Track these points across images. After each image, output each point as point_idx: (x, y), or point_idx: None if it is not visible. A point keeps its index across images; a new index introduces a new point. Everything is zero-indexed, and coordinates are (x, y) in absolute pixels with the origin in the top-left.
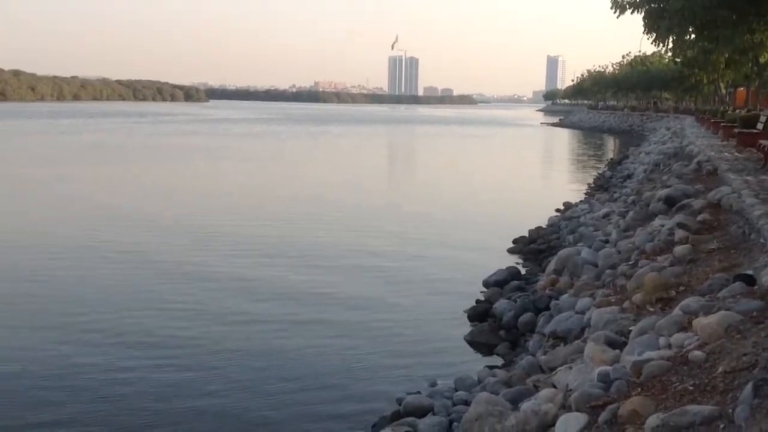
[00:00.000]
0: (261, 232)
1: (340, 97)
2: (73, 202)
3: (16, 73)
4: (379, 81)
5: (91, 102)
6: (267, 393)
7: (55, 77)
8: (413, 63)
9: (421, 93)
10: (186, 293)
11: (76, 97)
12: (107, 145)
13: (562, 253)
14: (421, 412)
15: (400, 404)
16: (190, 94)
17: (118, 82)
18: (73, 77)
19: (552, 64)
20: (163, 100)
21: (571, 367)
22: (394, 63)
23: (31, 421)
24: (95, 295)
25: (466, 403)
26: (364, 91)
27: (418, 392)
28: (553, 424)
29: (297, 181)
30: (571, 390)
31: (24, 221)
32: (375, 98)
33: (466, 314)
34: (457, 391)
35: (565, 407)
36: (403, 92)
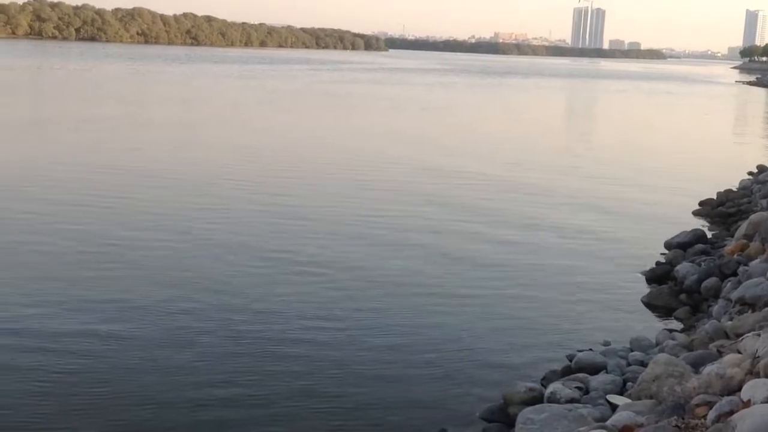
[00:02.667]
0: (433, 190)
1: (520, 48)
2: (250, 148)
3: (209, 19)
4: (562, 33)
5: (276, 49)
6: (450, 342)
7: (244, 24)
8: (599, 15)
9: (606, 46)
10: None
11: (262, 44)
12: (288, 91)
13: (754, 217)
14: (594, 369)
15: (571, 360)
16: (370, 43)
17: (303, 30)
18: (260, 24)
19: (751, 18)
20: (344, 48)
21: (759, 334)
22: (579, 14)
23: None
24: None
25: (642, 364)
26: (546, 44)
27: (590, 350)
28: (738, 389)
29: (470, 135)
30: (759, 357)
31: (191, 167)
32: (557, 51)
33: (644, 276)
34: (632, 351)
35: (752, 373)
36: (587, 45)
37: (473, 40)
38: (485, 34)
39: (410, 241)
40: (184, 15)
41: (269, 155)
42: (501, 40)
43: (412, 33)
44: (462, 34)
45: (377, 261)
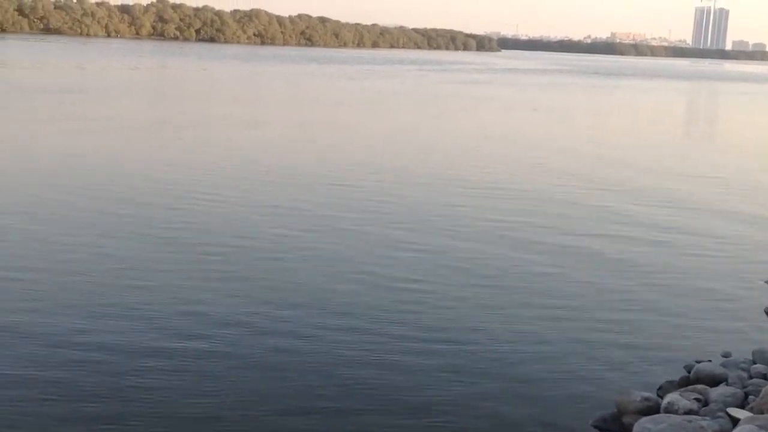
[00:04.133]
0: (553, 193)
1: (638, 49)
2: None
3: (323, 20)
4: (683, 33)
5: (388, 49)
6: (565, 346)
7: (357, 25)
8: (722, 14)
9: (729, 47)
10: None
11: (374, 45)
12: (396, 92)
13: None
14: (713, 380)
15: (689, 371)
16: (482, 44)
17: (414, 30)
18: (373, 25)
19: None
20: (456, 48)
21: None
22: (701, 14)
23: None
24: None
25: (765, 377)
26: (665, 44)
27: (710, 361)
28: None
29: (589, 137)
30: None
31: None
32: (677, 52)
33: None
34: (755, 363)
35: None
36: (709, 46)
37: (589, 41)
38: (602, 34)
39: (532, 244)
40: (299, 16)
41: (378, 157)
42: (618, 41)
43: (526, 33)
44: (577, 34)
45: (500, 263)
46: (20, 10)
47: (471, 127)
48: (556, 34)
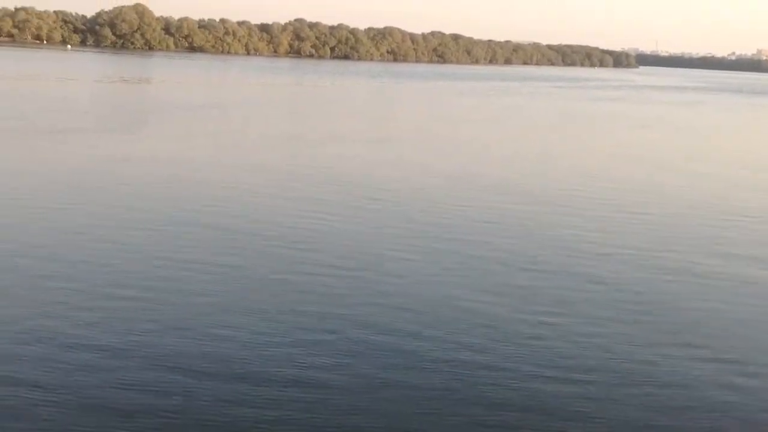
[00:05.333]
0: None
1: None
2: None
3: (455, 37)
4: None
5: (521, 66)
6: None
7: (489, 41)
8: None
9: None
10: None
11: (507, 61)
12: (528, 109)
13: None
14: None
15: None
16: (619, 60)
17: (549, 46)
18: (506, 41)
19: None
20: (591, 65)
21: None
22: None
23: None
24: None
25: None
26: None
27: None
28: None
29: (732, 162)
30: None
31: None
32: None
33: None
34: None
35: None
36: None
37: (733, 57)
38: (747, 50)
39: (690, 267)
40: (432, 33)
41: (506, 177)
42: (765, 57)
43: (666, 49)
44: (720, 51)
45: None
46: (167, 29)
47: (606, 147)
48: (698, 50)
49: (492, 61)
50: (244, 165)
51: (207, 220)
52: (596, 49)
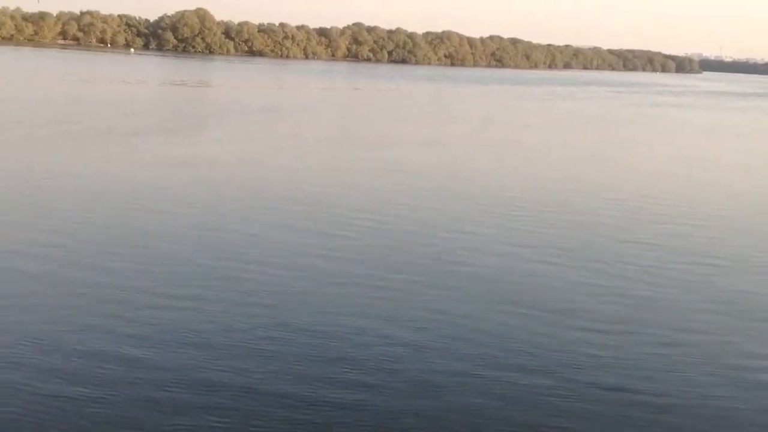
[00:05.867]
0: None
1: None
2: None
3: (514, 41)
4: None
5: (581, 70)
6: None
7: (549, 45)
8: None
9: None
10: None
11: (566, 66)
12: (586, 114)
13: None
14: None
15: None
16: (681, 65)
17: (609, 51)
18: (566, 46)
19: None
20: (653, 70)
21: None
22: None
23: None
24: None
25: None
26: None
27: None
28: None
29: None
30: None
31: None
32: None
33: None
34: None
35: None
36: None
37: None
38: None
39: None
40: (491, 38)
41: (564, 182)
42: None
43: (730, 55)
44: None
45: None
46: (227, 33)
47: (668, 154)
48: (763, 56)
49: (551, 65)
50: (308, 167)
51: (274, 221)
52: (658, 53)
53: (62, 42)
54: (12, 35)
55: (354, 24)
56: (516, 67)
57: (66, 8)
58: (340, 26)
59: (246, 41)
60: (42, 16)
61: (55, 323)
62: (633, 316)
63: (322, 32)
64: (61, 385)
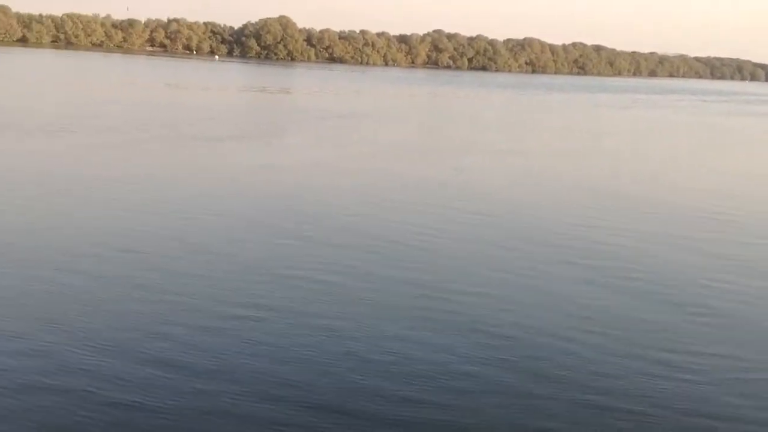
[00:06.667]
0: None
1: None
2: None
3: (597, 48)
4: None
5: (667, 78)
6: None
7: (633, 53)
8: None
9: None
10: None
11: (651, 73)
12: (671, 123)
13: None
14: None
15: None
16: None
17: (696, 58)
18: (651, 53)
19: None
20: (742, 78)
21: None
22: None
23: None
24: None
25: None
26: None
27: None
28: None
29: None
30: None
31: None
32: None
33: None
34: None
35: None
36: None
37: None
38: None
39: None
40: (573, 45)
41: (647, 195)
42: None
43: None
44: None
45: None
46: (308, 40)
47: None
48: None
49: (636, 73)
50: (389, 174)
51: (353, 228)
52: (748, 62)
53: (150, 49)
54: (102, 41)
55: (434, 31)
56: (599, 74)
57: (154, 16)
58: (421, 33)
59: (327, 48)
60: (131, 23)
61: (124, 329)
62: None
63: (403, 39)
64: (125, 393)
